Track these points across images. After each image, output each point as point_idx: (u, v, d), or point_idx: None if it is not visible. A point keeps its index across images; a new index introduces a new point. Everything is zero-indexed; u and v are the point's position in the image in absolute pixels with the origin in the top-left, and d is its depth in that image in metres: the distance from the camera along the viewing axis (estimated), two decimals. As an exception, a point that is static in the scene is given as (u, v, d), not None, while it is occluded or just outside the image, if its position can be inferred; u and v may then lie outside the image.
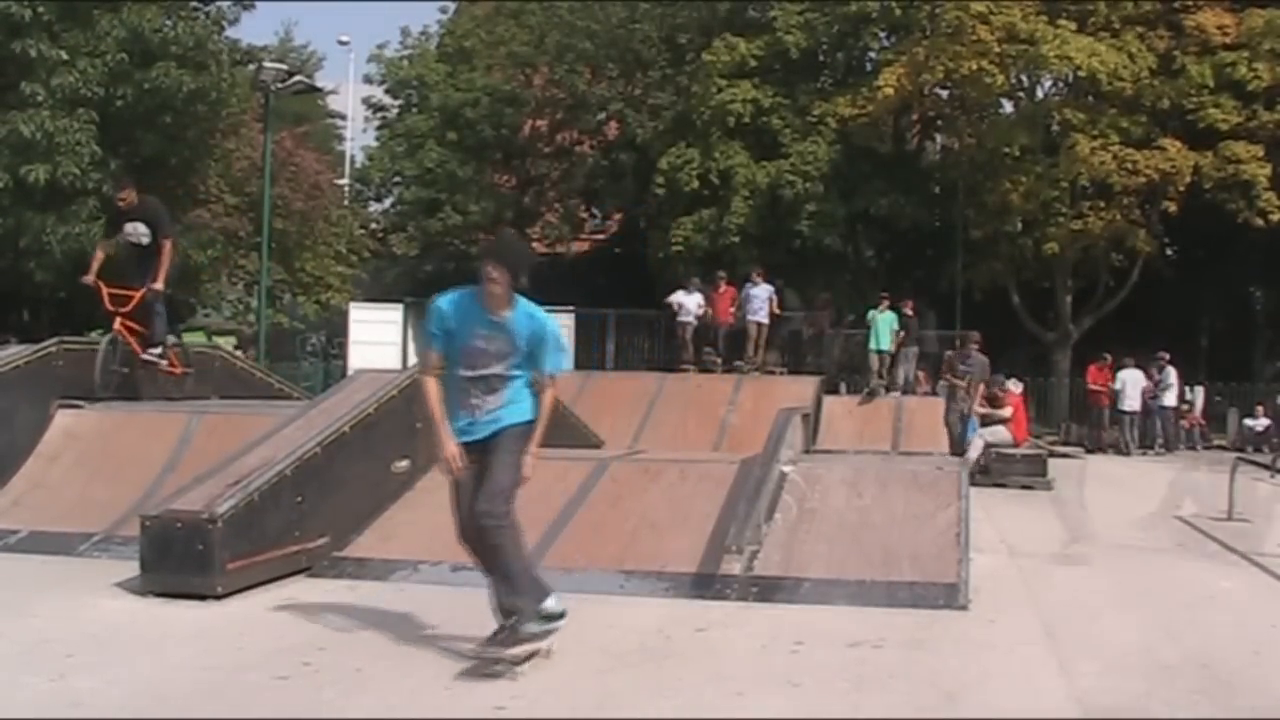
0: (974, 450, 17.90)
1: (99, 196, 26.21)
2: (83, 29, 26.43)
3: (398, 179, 44.85)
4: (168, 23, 27.01)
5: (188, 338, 32.04)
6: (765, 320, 25.43)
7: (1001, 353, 33.42)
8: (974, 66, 31.76)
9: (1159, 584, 9.92)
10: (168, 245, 13.50)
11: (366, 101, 47.01)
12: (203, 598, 8.17)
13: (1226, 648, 7.54)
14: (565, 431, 14.93)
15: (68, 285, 28.89)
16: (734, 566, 8.95)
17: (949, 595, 8.54)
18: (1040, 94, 35.35)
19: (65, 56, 25.82)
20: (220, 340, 28.47)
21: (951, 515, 9.64)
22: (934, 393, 24.63)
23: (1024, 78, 34.59)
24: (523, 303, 6.71)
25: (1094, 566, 10.74)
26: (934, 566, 8.93)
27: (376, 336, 29.55)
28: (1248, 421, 30.75)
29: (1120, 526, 13.50)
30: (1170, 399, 28.82)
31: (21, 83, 25.51)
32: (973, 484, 10.76)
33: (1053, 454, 21.09)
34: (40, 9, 25.64)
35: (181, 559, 8.32)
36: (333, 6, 78.96)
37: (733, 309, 25.89)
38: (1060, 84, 34.84)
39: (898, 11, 34.96)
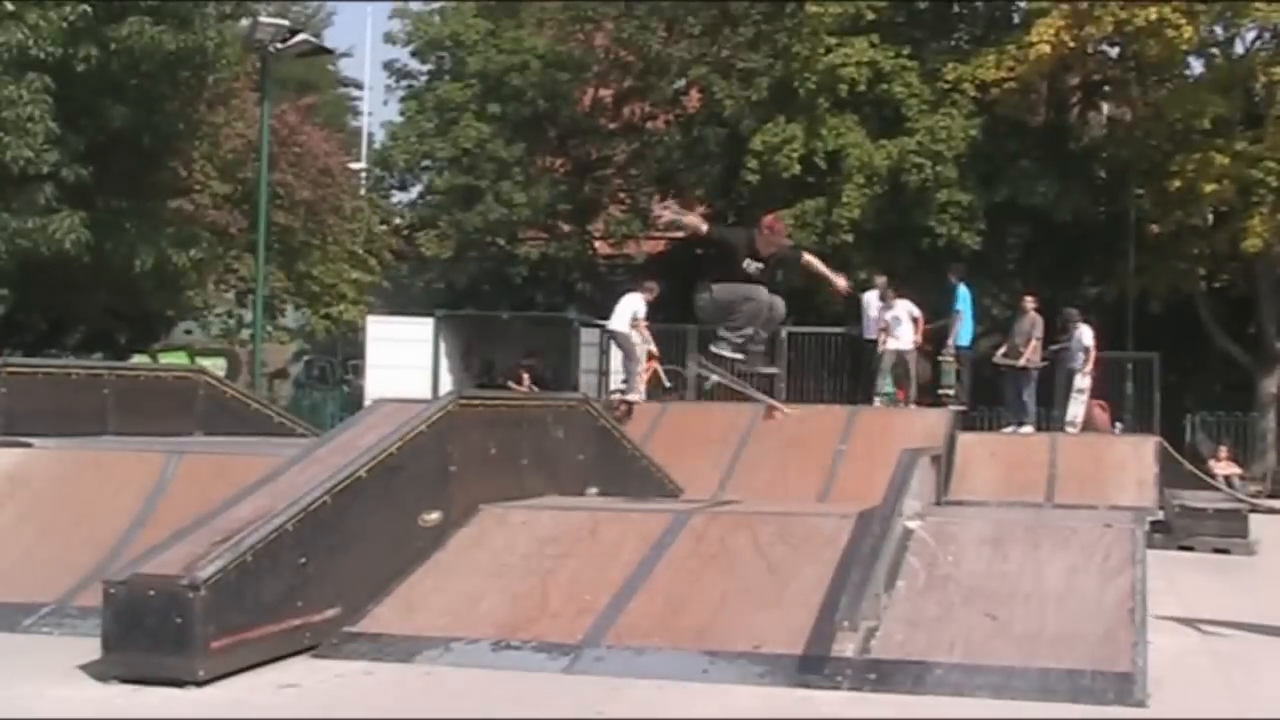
0: None
1: (56, 182, 26.49)
2: (34, -27, 26.75)
3: (427, 163, 45.18)
4: (141, -34, 27.32)
5: (166, 358, 32.78)
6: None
7: (1188, 378, 33.25)
8: (1153, 16, 31.47)
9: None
10: None
11: (388, 66, 47.51)
12: (181, 684, 8.19)
13: None
14: (635, 477, 14.97)
15: (17, 292, 29.40)
16: (847, 647, 8.88)
17: (1121, 688, 8.42)
18: (1240, 49, 35.00)
19: (11, 7, 25.92)
20: (206, 362, 28.81)
21: (1123, 585, 9.52)
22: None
23: (1219, 29, 34.27)
24: None
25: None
26: (1101, 651, 8.82)
27: (401, 358, 29.78)
28: None
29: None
30: None
31: (-46, 40, 25.81)
32: (1151, 545, 10.63)
33: (1255, 509, 20.78)
34: (-21, -52, 25.90)
35: (154, 636, 8.35)
36: (347, -51, 79.88)
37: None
38: (1267, 35, 34.44)
39: (1056, -52, 34.78)
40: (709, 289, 13.55)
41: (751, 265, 13.36)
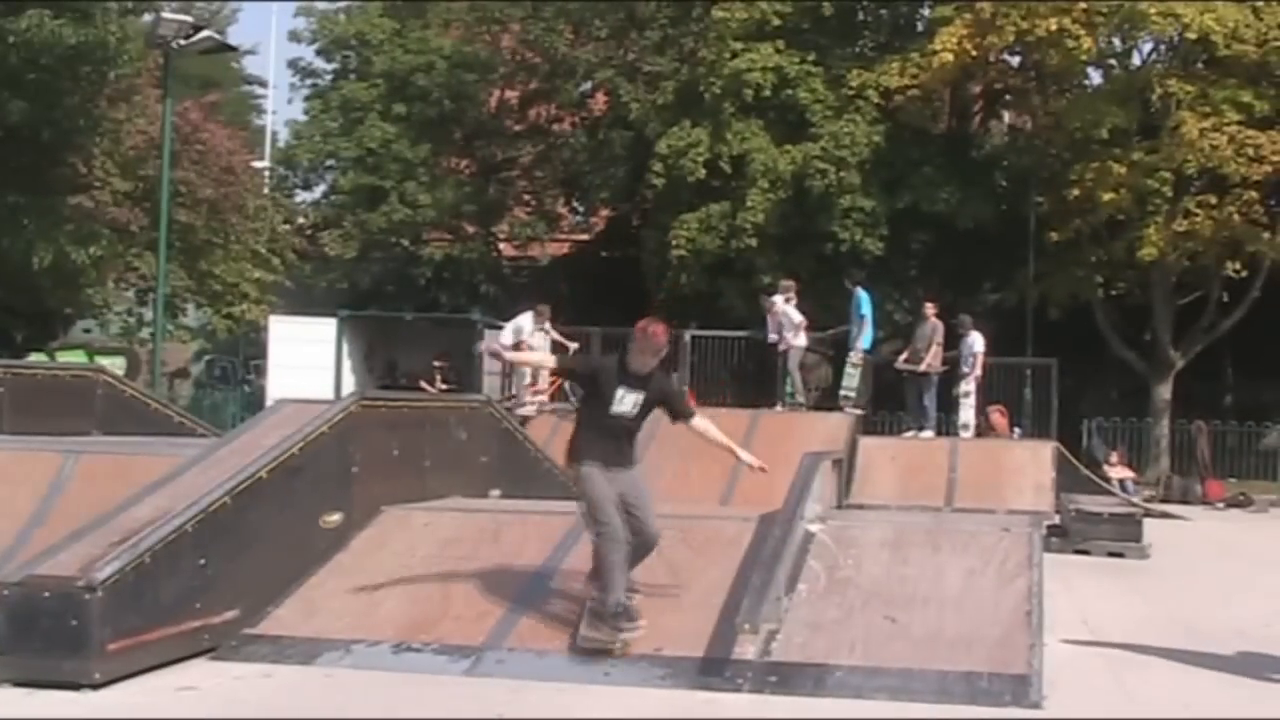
0: None
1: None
2: (-75, -36, 26.36)
3: (331, 162, 44.86)
4: (40, -43, 26.99)
5: (64, 356, 32.35)
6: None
7: (1085, 384, 33.59)
8: (1054, 27, 31.75)
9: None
10: None
11: (293, 65, 47.09)
12: (76, 687, 8.10)
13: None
14: (538, 479, 14.93)
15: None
16: (747, 650, 8.92)
17: (1018, 690, 8.51)
18: (1138, 61, 35.40)
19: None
20: (106, 361, 28.47)
21: (1020, 588, 9.62)
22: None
23: (1117, 40, 34.62)
24: None
25: (1204, 657, 10.66)
26: (998, 653, 8.90)
27: (303, 358, 29.53)
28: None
29: (1241, 605, 13.42)
30: None
31: None
32: (1048, 549, 10.74)
33: (1149, 513, 21.04)
34: None
35: (49, 638, 8.25)
36: (252, -55, 79.20)
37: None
38: (1163, 48, 34.87)
39: (958, -44, 35.01)
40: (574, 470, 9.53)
41: (626, 402, 9.31)
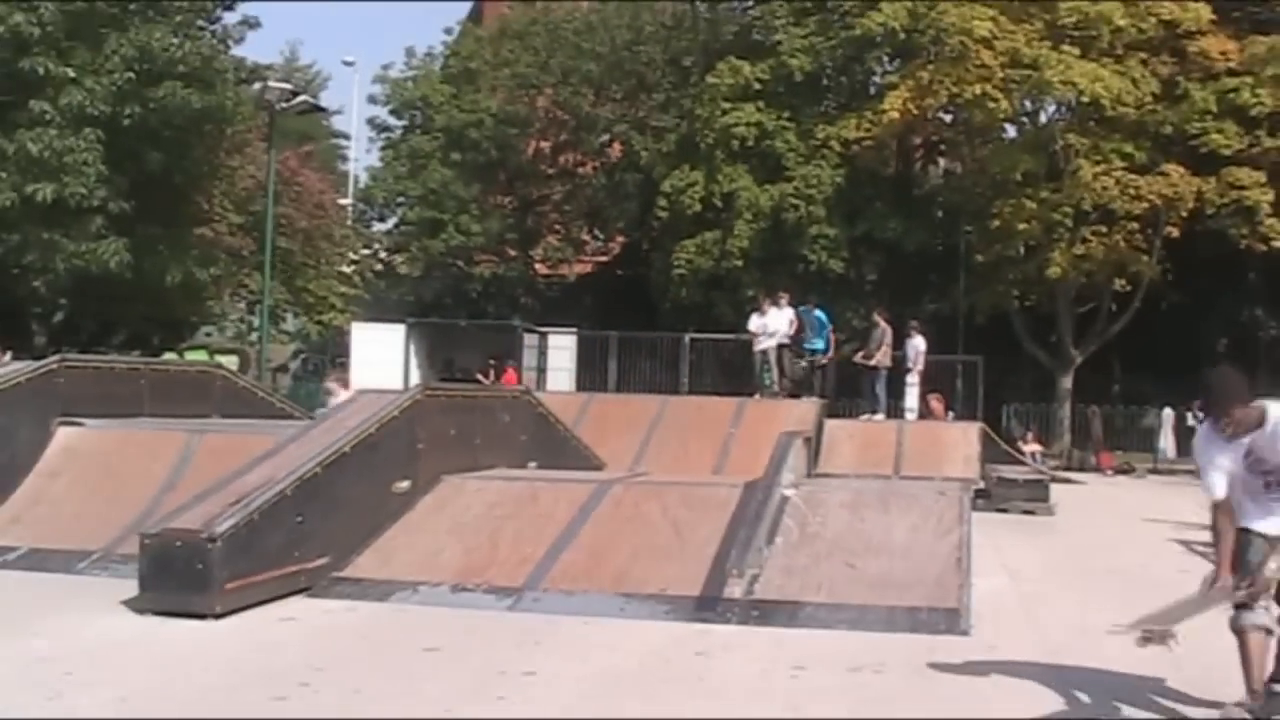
0: None
1: (105, 214, 26.34)
2: (90, 47, 26.55)
3: (401, 199, 44.93)
4: (175, 41, 27.11)
5: (190, 355, 32.40)
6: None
7: (1004, 377, 33.54)
8: (978, 91, 31.79)
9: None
10: None
11: (371, 122, 47.18)
12: (202, 616, 8.13)
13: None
14: (567, 454, 14.94)
15: (73, 302, 29.20)
16: (735, 590, 8.92)
17: (950, 620, 8.51)
18: (1044, 119, 35.35)
19: (73, 74, 25.91)
20: (222, 359, 28.48)
21: (953, 539, 9.61)
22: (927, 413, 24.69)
23: (1028, 102, 34.59)
24: None
25: (1096, 593, 10.67)
26: (935, 591, 8.90)
27: (378, 356, 29.56)
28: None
29: (1125, 552, 13.43)
30: None
31: (30, 100, 25.58)
32: (975, 509, 10.72)
33: (1054, 479, 21.00)
34: (49, 27, 25.71)
35: (180, 578, 8.29)
36: (338, 27, 79.15)
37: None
38: (1064, 109, 34.84)
39: (902, 36, 34.90)
40: None
41: None
